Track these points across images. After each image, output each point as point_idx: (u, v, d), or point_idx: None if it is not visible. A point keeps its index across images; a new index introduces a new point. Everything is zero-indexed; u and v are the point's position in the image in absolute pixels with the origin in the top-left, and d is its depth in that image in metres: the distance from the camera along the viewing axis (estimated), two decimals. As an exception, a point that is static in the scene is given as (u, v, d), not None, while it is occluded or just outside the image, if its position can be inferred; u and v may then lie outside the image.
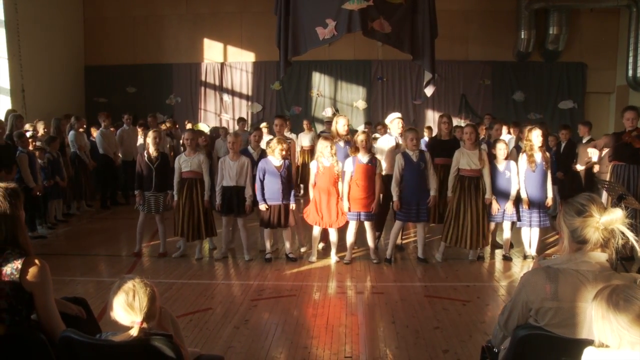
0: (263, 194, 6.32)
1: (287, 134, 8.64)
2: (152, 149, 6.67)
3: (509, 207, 6.36)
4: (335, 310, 4.99)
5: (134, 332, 2.17)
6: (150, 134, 6.79)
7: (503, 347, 2.47)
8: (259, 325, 4.59)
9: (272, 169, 6.33)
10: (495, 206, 6.37)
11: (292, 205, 6.47)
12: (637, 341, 1.70)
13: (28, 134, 8.04)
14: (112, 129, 10.51)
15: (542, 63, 13.87)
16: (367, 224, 6.45)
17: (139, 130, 10.71)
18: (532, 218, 6.38)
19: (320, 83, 14.29)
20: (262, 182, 6.32)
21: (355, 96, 14.29)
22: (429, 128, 11.58)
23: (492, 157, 6.47)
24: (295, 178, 6.74)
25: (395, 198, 6.32)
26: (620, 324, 1.71)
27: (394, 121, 6.92)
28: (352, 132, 7.69)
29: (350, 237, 6.49)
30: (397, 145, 6.79)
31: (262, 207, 6.33)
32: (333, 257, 6.52)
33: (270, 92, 14.44)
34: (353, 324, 4.63)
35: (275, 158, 6.34)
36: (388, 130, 7.13)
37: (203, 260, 6.68)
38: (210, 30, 14.30)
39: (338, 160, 6.39)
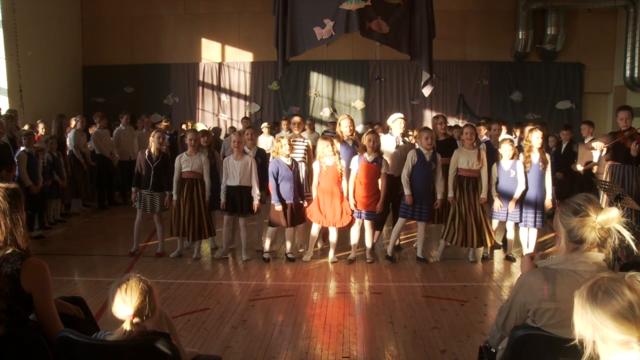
0: (279, 194, 6.32)
1: (305, 134, 8.52)
2: (154, 148, 6.68)
3: (512, 206, 6.38)
4: (333, 311, 4.99)
5: (126, 325, 2.21)
6: (154, 133, 6.81)
7: (501, 347, 2.48)
8: (257, 326, 4.59)
9: (283, 169, 6.32)
10: (497, 203, 6.39)
11: (305, 204, 6.48)
12: (615, 338, 1.56)
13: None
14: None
15: (540, 63, 13.89)
16: (366, 223, 6.44)
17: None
18: (527, 218, 6.41)
19: (318, 83, 14.28)
20: (276, 181, 6.32)
21: (353, 96, 14.29)
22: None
23: (494, 157, 6.49)
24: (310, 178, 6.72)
25: (407, 192, 6.28)
26: (596, 317, 1.58)
27: (396, 121, 6.92)
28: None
29: (354, 235, 6.49)
30: (397, 146, 6.80)
31: (277, 207, 6.31)
32: (331, 257, 6.53)
33: (268, 92, 14.44)
34: (351, 324, 4.63)
35: (284, 157, 6.35)
36: (390, 131, 7.13)
37: (201, 260, 6.68)
38: (208, 30, 14.30)
39: (340, 158, 6.38)
